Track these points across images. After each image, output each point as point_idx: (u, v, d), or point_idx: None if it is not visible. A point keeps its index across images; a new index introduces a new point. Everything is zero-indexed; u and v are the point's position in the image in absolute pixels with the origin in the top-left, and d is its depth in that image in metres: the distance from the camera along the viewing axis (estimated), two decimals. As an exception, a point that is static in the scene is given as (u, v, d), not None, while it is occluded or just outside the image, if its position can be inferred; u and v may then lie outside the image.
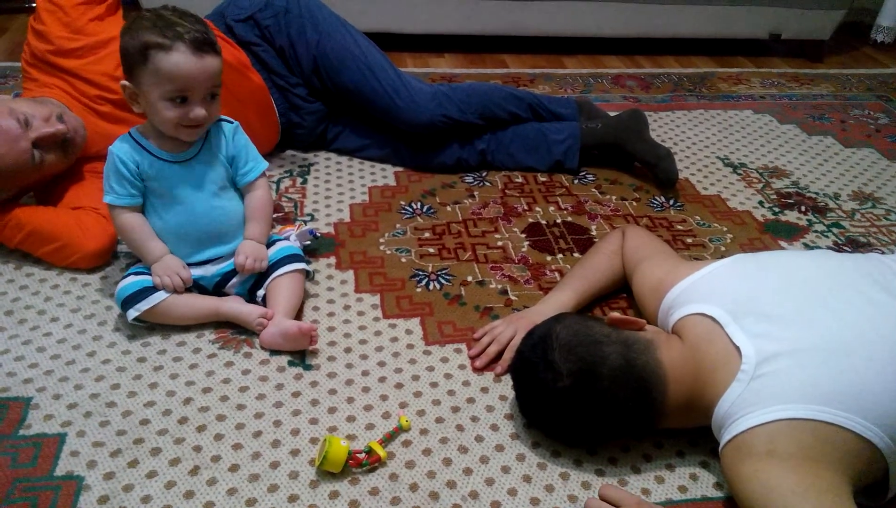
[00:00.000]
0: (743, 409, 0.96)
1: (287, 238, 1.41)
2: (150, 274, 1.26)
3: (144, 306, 1.23)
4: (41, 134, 1.35)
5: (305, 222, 1.59)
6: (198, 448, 1.07)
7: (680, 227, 1.68)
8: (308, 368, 1.23)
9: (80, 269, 1.41)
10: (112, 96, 1.52)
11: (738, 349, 1.00)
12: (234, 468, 1.05)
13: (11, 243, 1.40)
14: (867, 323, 0.99)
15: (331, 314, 1.35)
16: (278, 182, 1.75)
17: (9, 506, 0.97)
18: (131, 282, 1.25)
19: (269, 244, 1.35)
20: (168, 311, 1.25)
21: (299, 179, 1.77)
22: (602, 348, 1.01)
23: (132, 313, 1.23)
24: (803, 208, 1.78)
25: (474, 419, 1.15)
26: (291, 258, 1.33)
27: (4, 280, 1.39)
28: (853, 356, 0.95)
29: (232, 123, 1.31)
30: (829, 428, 0.91)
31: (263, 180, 1.34)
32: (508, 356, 1.25)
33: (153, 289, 1.25)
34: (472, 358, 1.27)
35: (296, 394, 1.17)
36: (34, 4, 1.56)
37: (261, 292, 1.31)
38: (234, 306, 1.29)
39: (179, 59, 1.14)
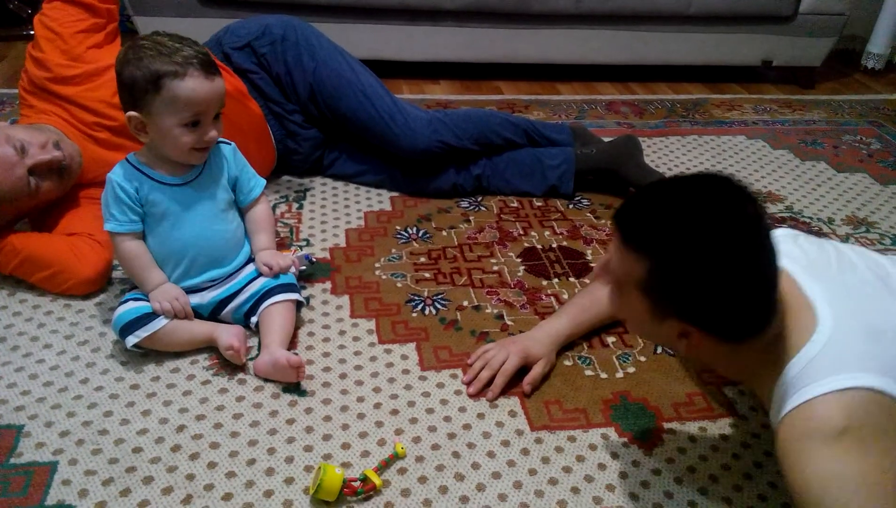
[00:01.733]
0: (816, 374, 0.86)
1: None
2: (149, 300, 1.25)
3: (143, 332, 1.22)
4: (37, 161, 1.35)
5: (301, 248, 1.59)
6: (191, 477, 1.06)
7: (675, 251, 1.68)
8: (303, 394, 1.22)
9: (75, 295, 1.40)
10: (109, 123, 1.53)
11: (813, 308, 0.91)
12: (227, 496, 1.03)
13: (6, 269, 1.40)
14: None
15: (326, 340, 1.34)
16: (274, 207, 1.76)
17: (-2, 536, 0.96)
18: (130, 308, 1.24)
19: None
20: (167, 337, 1.25)
21: (295, 205, 1.78)
22: None
23: (131, 340, 1.22)
24: (798, 233, 1.79)
25: (471, 445, 1.14)
26: (285, 288, 1.33)
27: (-2, 307, 1.38)
28: None
29: (229, 144, 1.35)
30: None
31: (264, 195, 1.39)
32: (500, 380, 1.24)
33: (152, 315, 1.24)
34: (467, 384, 1.26)
35: (290, 421, 1.16)
36: (32, 32, 1.57)
37: (254, 319, 1.31)
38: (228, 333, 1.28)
39: (195, 85, 1.16)
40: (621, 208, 0.91)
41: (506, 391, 1.24)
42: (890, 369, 0.85)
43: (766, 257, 0.86)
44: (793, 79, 2.85)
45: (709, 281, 0.84)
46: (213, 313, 1.32)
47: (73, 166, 1.44)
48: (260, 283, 1.33)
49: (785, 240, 1.00)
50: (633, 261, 0.88)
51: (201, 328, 1.28)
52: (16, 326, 1.34)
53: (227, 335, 1.24)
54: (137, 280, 1.28)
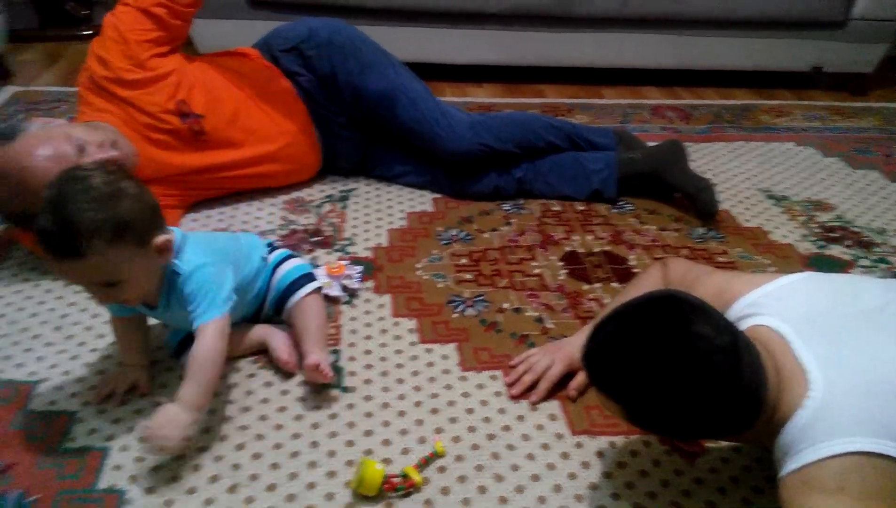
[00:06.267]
0: (810, 438, 0.90)
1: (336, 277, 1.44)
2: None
3: None
4: (95, 161, 1.40)
5: (346, 264, 1.52)
6: (236, 466, 1.08)
7: (721, 259, 1.66)
8: (345, 390, 1.24)
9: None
10: (164, 126, 1.58)
11: (806, 373, 0.93)
12: (271, 487, 1.06)
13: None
14: None
15: (368, 338, 1.36)
16: (319, 206, 1.78)
17: (51, 518, 0.99)
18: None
19: (284, 259, 1.33)
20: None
21: (339, 204, 1.80)
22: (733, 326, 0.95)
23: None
24: (848, 243, 1.75)
25: (510, 447, 1.15)
26: (304, 279, 1.30)
27: (53, 297, 1.43)
28: None
29: (185, 269, 1.11)
30: None
31: (208, 328, 1.09)
32: (544, 386, 1.24)
33: None
34: (509, 385, 1.26)
35: (333, 416, 1.18)
36: (88, 32, 1.62)
37: (290, 304, 1.29)
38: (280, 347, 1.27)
39: (50, 264, 1.01)
40: (585, 355, 0.96)
41: (548, 396, 1.24)
42: (884, 426, 0.87)
43: (731, 370, 0.89)
44: (844, 85, 2.79)
45: (679, 412, 0.90)
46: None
47: (128, 165, 1.48)
48: (281, 274, 1.31)
49: (794, 290, 1.05)
50: (610, 401, 0.94)
51: (253, 336, 1.29)
52: (71, 316, 1.38)
53: (280, 349, 1.25)
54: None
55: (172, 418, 1.03)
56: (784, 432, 0.92)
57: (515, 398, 1.24)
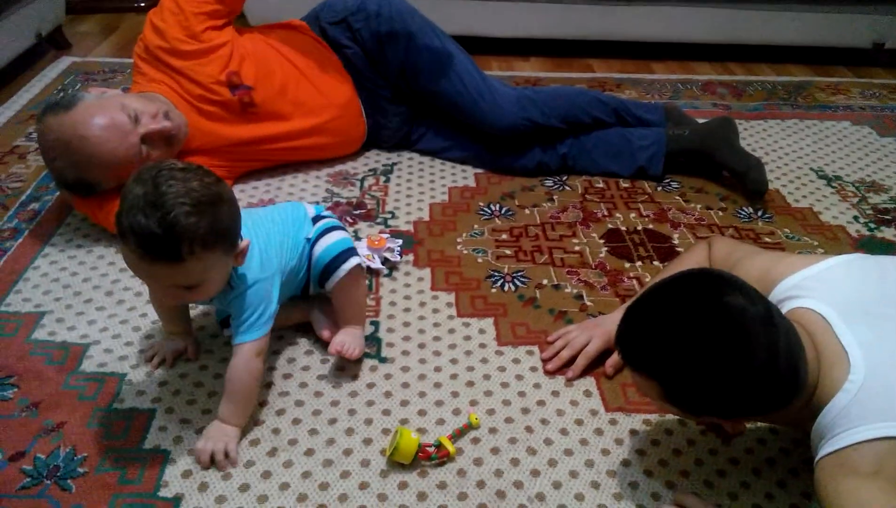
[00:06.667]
0: (848, 422, 0.89)
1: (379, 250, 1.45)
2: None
3: None
4: (149, 130, 1.44)
5: (387, 237, 1.52)
6: (276, 431, 1.12)
7: (768, 239, 1.63)
8: (383, 361, 1.26)
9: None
10: (215, 98, 1.61)
11: (847, 355, 0.93)
12: (309, 452, 1.09)
13: (113, 228, 1.49)
14: None
15: (406, 310, 1.38)
16: (363, 180, 1.80)
17: (100, 474, 1.04)
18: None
19: (324, 232, 1.25)
20: None
21: (382, 178, 1.82)
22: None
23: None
24: (902, 226, 1.70)
25: (544, 421, 1.16)
26: (345, 255, 1.23)
27: (106, 263, 1.48)
28: None
29: (240, 285, 1.10)
30: None
31: (245, 348, 1.09)
32: (582, 362, 1.24)
33: None
34: (545, 361, 1.27)
35: (370, 385, 1.21)
36: (143, 4, 1.65)
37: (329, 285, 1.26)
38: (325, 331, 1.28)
39: (131, 261, 0.98)
40: (619, 335, 0.96)
41: (584, 373, 1.24)
42: None
43: (767, 339, 0.88)
44: (907, 63, 2.67)
45: (717, 386, 0.88)
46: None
47: (179, 136, 1.52)
48: (321, 249, 1.24)
49: (839, 273, 1.03)
50: (647, 382, 0.93)
51: (296, 312, 1.30)
52: (122, 281, 1.43)
53: (320, 326, 1.28)
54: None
55: (223, 434, 1.07)
56: (823, 415, 0.92)
57: (551, 373, 1.24)
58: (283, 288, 1.18)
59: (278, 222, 1.21)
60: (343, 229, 1.29)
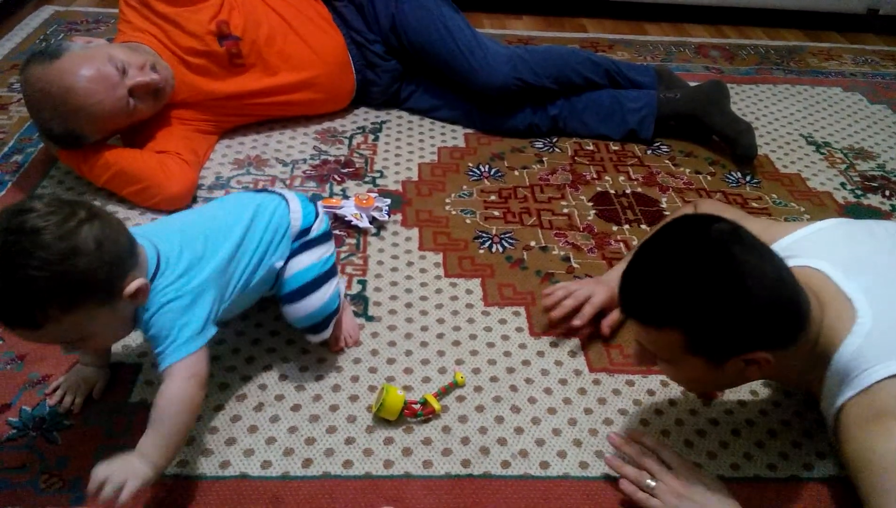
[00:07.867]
0: (865, 362, 0.89)
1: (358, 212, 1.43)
2: None
3: None
4: (137, 82, 1.41)
5: (376, 196, 1.50)
6: (263, 387, 1.13)
7: (755, 204, 1.63)
8: (370, 319, 1.26)
9: (162, 210, 1.48)
10: (203, 48, 1.58)
11: (851, 301, 0.94)
12: (296, 407, 1.10)
13: (99, 180, 1.48)
14: None
15: (394, 269, 1.38)
16: (351, 138, 1.78)
17: (86, 427, 1.04)
18: None
19: (300, 250, 1.12)
20: None
21: (371, 137, 1.80)
22: None
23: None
24: (887, 193, 1.71)
25: (528, 380, 1.17)
26: (314, 285, 1.11)
27: (91, 217, 1.46)
28: None
29: (144, 316, 0.93)
30: None
31: (174, 371, 0.92)
32: (589, 309, 1.22)
33: None
34: (548, 308, 1.24)
35: (357, 343, 1.21)
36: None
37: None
38: None
39: None
40: (631, 293, 0.93)
41: (575, 333, 1.25)
42: None
43: (769, 255, 0.89)
44: (901, 29, 2.66)
45: (738, 314, 0.85)
46: None
47: (166, 89, 1.50)
48: (291, 273, 1.11)
49: (828, 234, 1.05)
50: (666, 335, 0.90)
51: None
52: (107, 236, 1.42)
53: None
54: None
55: (129, 468, 0.85)
56: (836, 359, 0.92)
57: (553, 321, 1.23)
58: (245, 299, 1.10)
59: (229, 242, 1.03)
60: (327, 241, 1.17)
